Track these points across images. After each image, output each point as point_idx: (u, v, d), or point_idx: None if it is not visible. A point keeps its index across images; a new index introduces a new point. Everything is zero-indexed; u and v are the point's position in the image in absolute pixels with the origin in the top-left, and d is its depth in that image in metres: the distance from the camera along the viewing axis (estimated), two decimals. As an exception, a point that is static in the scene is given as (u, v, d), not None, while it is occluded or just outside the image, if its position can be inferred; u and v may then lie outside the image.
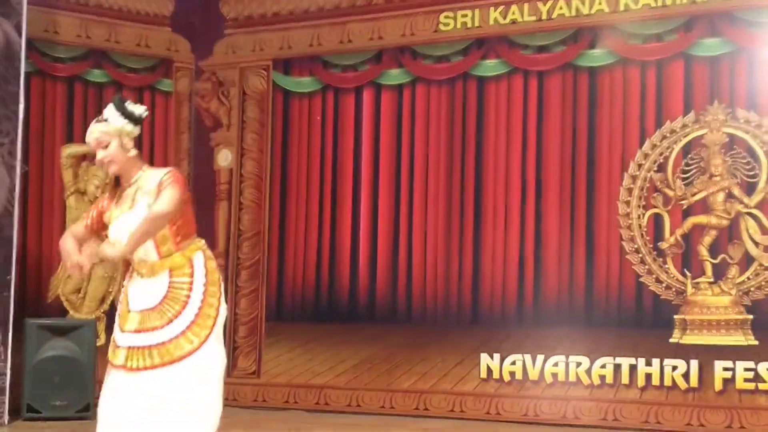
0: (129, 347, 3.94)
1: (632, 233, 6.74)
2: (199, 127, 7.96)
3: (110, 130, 3.98)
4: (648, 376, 6.57)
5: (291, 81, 7.74)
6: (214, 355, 4.01)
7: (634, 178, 6.76)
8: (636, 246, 6.72)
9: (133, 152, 4.02)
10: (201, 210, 7.69)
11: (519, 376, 6.83)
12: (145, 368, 3.91)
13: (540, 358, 6.81)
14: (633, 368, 6.60)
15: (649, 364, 6.57)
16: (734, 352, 6.39)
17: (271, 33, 7.76)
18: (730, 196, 6.54)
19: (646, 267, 6.69)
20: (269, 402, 7.54)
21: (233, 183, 7.82)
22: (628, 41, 6.83)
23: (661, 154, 6.70)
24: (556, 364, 6.78)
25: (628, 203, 6.76)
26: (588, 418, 6.66)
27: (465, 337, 7.10)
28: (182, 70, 7.95)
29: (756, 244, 6.46)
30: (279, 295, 7.70)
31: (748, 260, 6.48)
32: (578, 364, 6.73)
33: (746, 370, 6.33)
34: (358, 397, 7.34)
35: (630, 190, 6.75)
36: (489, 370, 6.97)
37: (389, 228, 7.41)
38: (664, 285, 6.64)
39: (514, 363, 6.86)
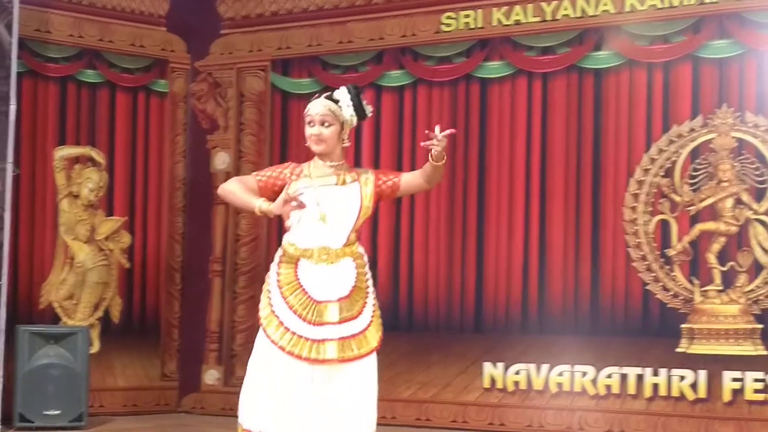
0: (340, 338, 3.96)
1: (639, 240, 6.72)
2: (195, 128, 7.95)
3: (339, 114, 4.04)
4: (655, 387, 6.56)
5: (290, 82, 7.72)
6: (376, 364, 4.14)
7: (640, 183, 6.74)
8: (642, 253, 6.70)
9: (346, 143, 4.11)
10: (197, 214, 7.91)
11: (523, 385, 6.82)
12: (354, 358, 3.99)
13: (545, 367, 6.79)
14: (640, 378, 6.60)
15: (656, 374, 6.56)
16: (743, 362, 6.37)
17: (269, 33, 7.74)
18: (738, 202, 6.51)
19: (653, 274, 6.67)
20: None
21: (230, 186, 7.80)
22: (635, 43, 6.80)
23: (668, 159, 6.68)
24: (561, 374, 6.76)
25: (634, 209, 6.74)
26: (594, 428, 6.66)
27: (468, 346, 7.08)
28: (178, 71, 7.93)
29: (765, 251, 6.44)
30: None
31: (757, 268, 6.45)
32: (584, 374, 6.72)
33: (756, 380, 6.32)
34: (358, 406, 7.31)
35: (636, 196, 6.74)
36: (492, 380, 6.95)
37: (390, 233, 7.38)
38: (671, 293, 6.62)
39: (518, 372, 6.85)
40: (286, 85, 7.73)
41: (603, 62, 6.88)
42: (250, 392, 4.06)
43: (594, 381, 6.69)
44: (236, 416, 6.56)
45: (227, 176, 7.65)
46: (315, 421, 3.97)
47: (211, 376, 7.79)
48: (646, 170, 6.72)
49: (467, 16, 7.15)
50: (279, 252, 4.12)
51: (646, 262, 6.70)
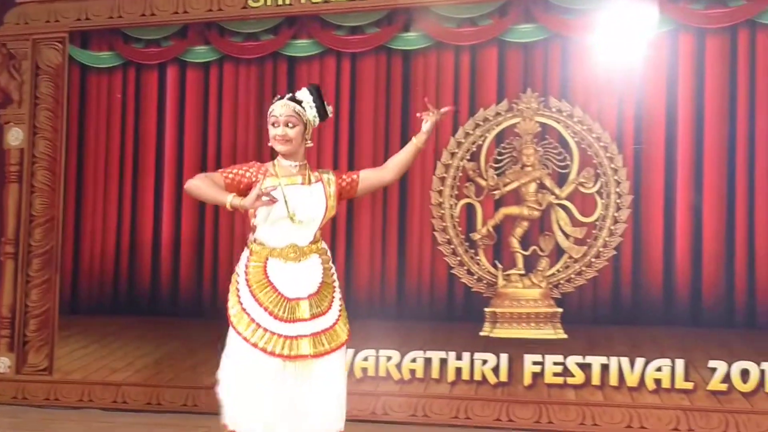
0: (312, 334, 4.14)
1: (444, 224, 6.80)
2: (-14, 102, 7.65)
3: (302, 115, 4.24)
4: (458, 371, 6.64)
5: (89, 55, 7.51)
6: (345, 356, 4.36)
7: (447, 167, 6.81)
8: (448, 237, 6.79)
9: (309, 143, 4.31)
10: (-12, 193, 7.59)
11: None
12: (326, 353, 4.16)
13: (350, 352, 6.73)
14: (443, 362, 6.66)
15: (459, 358, 6.64)
16: (543, 346, 6.53)
17: (67, 3, 7.51)
18: (541, 186, 6.65)
19: (458, 258, 6.76)
20: (62, 401, 7.35)
21: (24, 164, 7.54)
22: (443, 25, 6.85)
23: (473, 143, 6.77)
24: (366, 359, 6.78)
25: (440, 193, 6.82)
26: (398, 414, 6.70)
27: (272, 331, 7.01)
28: (-32, 41, 7.58)
29: (566, 235, 6.60)
30: (74, 286, 7.49)
31: (558, 252, 6.63)
32: (389, 359, 6.76)
33: (555, 364, 6.48)
34: (159, 394, 7.21)
35: (443, 179, 6.81)
36: (296, 366, 6.91)
37: (194, 214, 7.26)
38: (475, 277, 6.73)
39: None
40: (84, 58, 7.52)
41: (412, 43, 6.91)
42: (229, 391, 4.22)
43: (399, 366, 6.73)
44: (27, 405, 6.54)
45: (21, 153, 7.52)
46: (286, 417, 4.13)
47: (2, 363, 7.52)
48: (453, 154, 6.80)
49: (275, -8, 7.09)
50: (246, 251, 4.29)
51: (452, 246, 6.79)
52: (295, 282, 4.20)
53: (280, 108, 4.25)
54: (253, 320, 4.18)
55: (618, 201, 6.54)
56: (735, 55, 6.39)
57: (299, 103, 4.27)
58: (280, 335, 4.15)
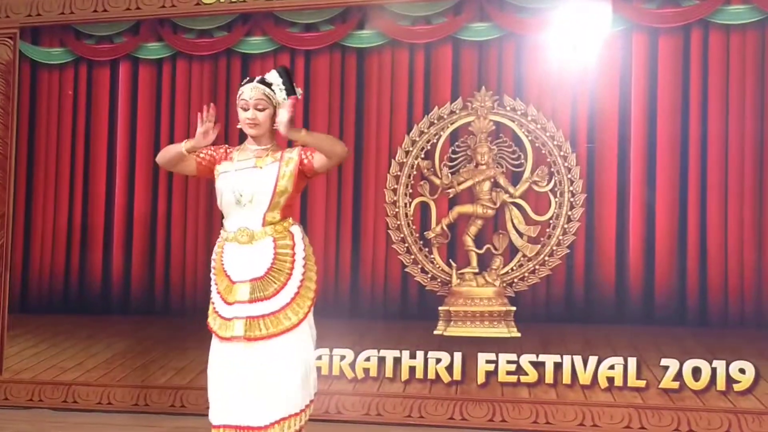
0: (247, 317, 4.19)
1: (399, 222, 6.80)
2: (-65, 98, 7.55)
3: (272, 98, 4.27)
4: (412, 369, 6.64)
5: (40, 51, 7.45)
6: (311, 333, 4.39)
7: (401, 165, 6.82)
8: (402, 235, 6.79)
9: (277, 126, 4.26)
10: (-64, 190, 7.47)
11: None
12: (263, 338, 4.19)
13: None
14: (397, 361, 6.66)
15: (413, 357, 6.64)
16: (497, 344, 6.54)
17: (18, -3, 7.45)
18: (496, 185, 6.66)
19: (412, 257, 6.77)
20: (12, 400, 7.29)
21: (-26, 161, 7.45)
22: (397, 23, 6.85)
23: (428, 141, 6.77)
24: (319, 357, 6.73)
25: (395, 191, 6.82)
26: (351, 413, 6.69)
27: (225, 330, 6.99)
28: None
29: (520, 234, 6.63)
30: (24, 284, 7.44)
31: (512, 251, 6.65)
32: (342, 357, 6.75)
33: (509, 362, 6.49)
34: (110, 394, 7.16)
35: (397, 178, 6.81)
36: (249, 365, 6.89)
37: (146, 211, 7.23)
38: (429, 275, 6.74)
39: None
40: (36, 54, 7.46)
41: (366, 41, 6.90)
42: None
43: (352, 364, 6.72)
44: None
45: (-30, 150, 7.40)
46: (240, 399, 4.21)
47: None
48: (408, 152, 6.81)
49: (228, -12, 7.05)
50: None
51: (406, 245, 6.79)
52: (242, 265, 4.25)
53: (249, 91, 4.29)
54: (213, 305, 4.34)
55: (571, 199, 6.57)
56: (688, 54, 6.43)
57: (269, 85, 4.29)
58: (222, 317, 4.28)
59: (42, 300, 7.40)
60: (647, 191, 6.47)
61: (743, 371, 6.21)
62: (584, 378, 6.41)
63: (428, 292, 6.73)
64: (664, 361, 6.31)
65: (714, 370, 6.24)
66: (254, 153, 4.31)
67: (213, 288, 4.38)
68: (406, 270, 6.78)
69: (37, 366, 7.32)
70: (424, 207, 6.81)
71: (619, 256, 6.47)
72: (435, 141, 6.78)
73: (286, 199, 4.32)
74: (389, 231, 6.83)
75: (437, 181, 6.76)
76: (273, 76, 4.32)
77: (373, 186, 6.87)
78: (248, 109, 4.29)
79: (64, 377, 7.20)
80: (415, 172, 6.80)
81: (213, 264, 4.39)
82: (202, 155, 4.37)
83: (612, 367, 6.39)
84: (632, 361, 6.36)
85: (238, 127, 4.33)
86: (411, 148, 6.81)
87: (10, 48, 7.44)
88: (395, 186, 6.83)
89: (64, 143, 7.41)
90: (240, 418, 4.25)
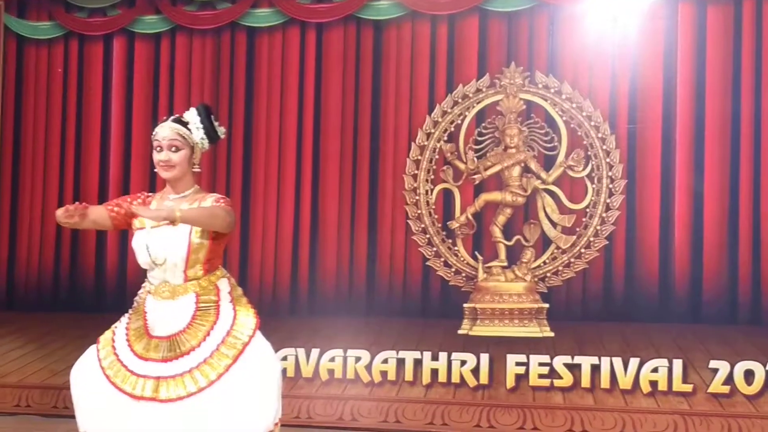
0: (158, 377, 4.02)
1: (419, 211, 6.70)
2: None
3: (188, 138, 4.11)
4: (434, 372, 6.51)
5: (26, 25, 7.35)
6: (265, 350, 4.14)
7: (422, 148, 6.70)
8: (423, 225, 6.70)
9: (197, 169, 4.16)
10: None
11: (291, 372, 6.60)
12: (181, 398, 3.99)
13: (315, 352, 6.65)
14: (418, 363, 6.53)
15: (435, 358, 6.52)
16: (528, 345, 6.43)
17: (1, -32, 7.41)
18: (526, 170, 6.56)
19: (434, 249, 6.68)
20: None
21: (-46, 145, 7.43)
22: (419, -9, 6.79)
23: (452, 122, 6.67)
24: (332, 359, 6.63)
25: (415, 177, 6.71)
26: (367, 419, 6.54)
27: (229, 328, 6.87)
28: None
29: (553, 224, 6.53)
30: (10, 280, 7.33)
31: (544, 242, 6.55)
32: (358, 359, 6.62)
33: (541, 364, 6.35)
34: (103, 399, 6.94)
35: (417, 162, 6.71)
36: (256, 367, 6.74)
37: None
38: (453, 269, 6.64)
39: (285, 358, 6.62)
40: (22, 28, 7.35)
41: (383, 13, 6.80)
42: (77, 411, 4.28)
43: (368, 367, 6.61)
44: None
45: (-49, 132, 7.38)
46: None
47: None
48: (429, 134, 6.71)
49: (231, -45, 7.04)
50: None
51: (427, 236, 6.69)
52: (163, 321, 4.12)
53: (163, 131, 4.13)
54: (113, 342, 4.20)
55: (610, 186, 6.48)
56: (739, 25, 6.44)
57: (185, 125, 4.16)
58: (126, 368, 4.10)
59: (29, 296, 7.32)
60: (694, 176, 6.38)
61: (800, 374, 6.12)
62: (624, 382, 6.27)
63: (452, 287, 6.66)
64: (712, 363, 6.19)
65: (768, 373, 6.14)
66: (172, 203, 4.13)
67: (123, 321, 4.22)
68: (428, 263, 6.69)
69: (25, 368, 7.13)
70: (447, 194, 6.71)
71: (663, 248, 6.40)
72: (459, 122, 6.67)
73: (206, 253, 4.14)
74: (409, 221, 6.73)
75: (462, 166, 6.65)
76: (191, 115, 4.18)
77: (391, 172, 6.78)
78: (162, 150, 4.11)
79: (54, 381, 6.97)
80: (437, 157, 6.70)
81: (136, 301, 4.24)
82: (115, 207, 4.20)
83: (655, 370, 6.25)
84: (678, 363, 6.23)
85: (155, 170, 4.17)
86: (433, 130, 6.70)
87: (-6, 22, 7.40)
88: (415, 171, 6.72)
89: (53, 127, 7.31)
90: None
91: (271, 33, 6.96)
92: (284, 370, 6.56)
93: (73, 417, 6.63)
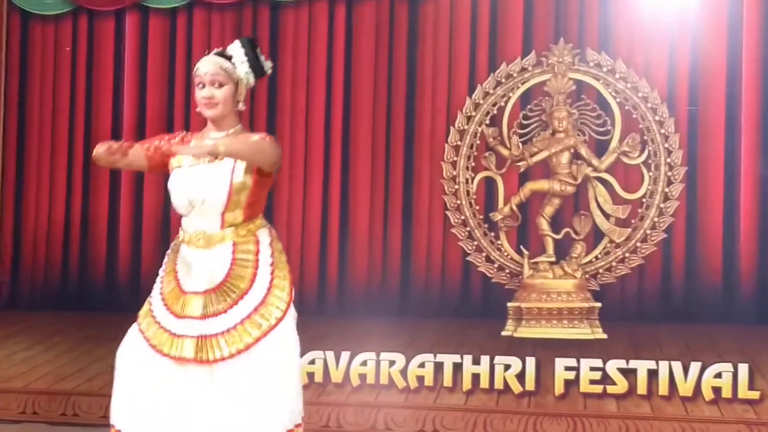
0: (199, 336, 3.98)
1: (459, 201, 6.62)
2: None
3: (233, 73, 4.04)
4: (475, 378, 6.36)
5: (31, 0, 7.24)
6: (288, 342, 4.07)
7: (462, 133, 6.61)
8: (463, 217, 6.61)
9: (242, 106, 4.09)
10: None
11: (319, 377, 6.44)
12: (218, 360, 3.96)
13: (345, 355, 6.48)
14: (457, 368, 6.39)
15: (476, 362, 6.36)
16: (578, 348, 6.33)
17: (5, -63, 7.32)
18: (576, 157, 6.49)
19: (475, 243, 6.59)
20: (1, 414, 6.81)
21: (-47, 132, 7.36)
22: (458, -40, 6.72)
23: (494, 105, 6.59)
24: (364, 363, 6.45)
25: (454, 164, 6.62)
26: (402, 428, 6.31)
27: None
28: None
29: (606, 216, 6.46)
30: (14, 278, 7.24)
31: (596, 236, 6.50)
32: (392, 363, 6.43)
33: (593, 369, 6.22)
34: (116, 405, 6.77)
35: (457, 148, 6.61)
36: (281, 371, 6.56)
37: (158, 192, 6.85)
38: (496, 265, 6.57)
39: (313, 362, 6.45)
40: (26, 3, 7.25)
41: None
42: (118, 389, 4.10)
43: (403, 371, 6.42)
44: None
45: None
46: (193, 425, 3.99)
47: None
48: (469, 117, 6.61)
49: None
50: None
51: (467, 228, 6.62)
52: (196, 274, 4.07)
53: (205, 66, 4.07)
54: (151, 310, 4.13)
55: (669, 173, 6.39)
56: None
57: (229, 58, 4.08)
58: (167, 331, 4.03)
59: (35, 294, 7.27)
60: (761, 162, 6.27)
61: None
62: (685, 388, 6.10)
63: (494, 285, 6.60)
64: (782, 368, 6.16)
65: None
66: (214, 141, 4.09)
67: (156, 288, 4.16)
68: (468, 259, 6.60)
69: (30, 372, 6.97)
70: (489, 183, 6.63)
71: (726, 242, 6.32)
72: (503, 104, 6.60)
73: (247, 196, 4.07)
74: (447, 212, 6.65)
75: (505, 153, 6.56)
76: (235, 48, 4.11)
77: (428, 158, 6.70)
78: (204, 87, 4.06)
79: (62, 386, 6.82)
80: (478, 142, 6.60)
81: (164, 266, 4.20)
82: (152, 147, 4.18)
83: (718, 375, 6.08)
84: (743, 368, 6.05)
85: (197, 111, 4.11)
86: (474, 113, 6.61)
87: (-4, -4, 7.32)
88: (455, 158, 6.63)
89: (61, 109, 7.22)
90: None
91: (297, 7, 6.88)
92: (312, 375, 6.53)
93: (82, 425, 6.59)
